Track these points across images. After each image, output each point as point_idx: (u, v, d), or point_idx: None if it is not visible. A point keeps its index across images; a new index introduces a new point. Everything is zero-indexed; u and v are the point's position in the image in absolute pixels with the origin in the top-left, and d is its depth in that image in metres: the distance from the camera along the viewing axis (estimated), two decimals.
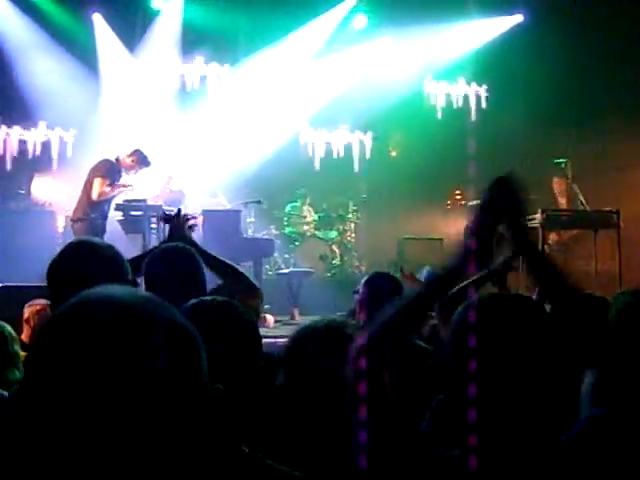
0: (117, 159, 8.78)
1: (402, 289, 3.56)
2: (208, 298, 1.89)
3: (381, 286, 3.56)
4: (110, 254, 2.15)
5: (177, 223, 3.33)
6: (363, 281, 3.71)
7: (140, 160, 8.84)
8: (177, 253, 3.03)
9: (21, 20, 11.39)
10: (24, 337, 5.03)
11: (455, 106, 13.71)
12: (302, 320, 9.10)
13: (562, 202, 10.93)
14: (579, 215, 9.47)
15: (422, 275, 4.24)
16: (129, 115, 11.59)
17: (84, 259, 2.09)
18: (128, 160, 8.80)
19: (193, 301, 1.83)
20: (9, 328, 3.28)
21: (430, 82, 13.52)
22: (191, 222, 3.43)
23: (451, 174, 12.69)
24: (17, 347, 3.41)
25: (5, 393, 2.32)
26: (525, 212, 1.84)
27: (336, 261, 11.70)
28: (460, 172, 12.84)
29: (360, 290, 3.64)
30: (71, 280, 2.04)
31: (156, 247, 3.33)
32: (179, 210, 3.46)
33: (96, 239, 2.33)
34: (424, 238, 11.57)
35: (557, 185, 11.13)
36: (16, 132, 11.58)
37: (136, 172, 8.90)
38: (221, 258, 3.17)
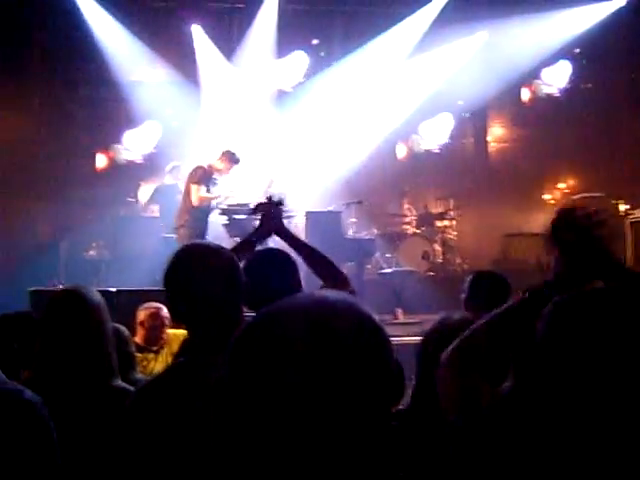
0: (209, 165, 9.04)
1: (508, 287, 3.50)
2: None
3: (485, 285, 3.52)
4: (226, 257, 2.21)
5: (269, 210, 3.21)
6: (467, 280, 3.68)
7: (229, 159, 9.05)
8: (273, 257, 3.06)
9: (125, 35, 11.79)
10: (138, 339, 5.21)
11: (556, 96, 13.37)
12: (406, 320, 9.07)
13: None
14: None
15: None
16: (229, 121, 11.84)
17: (201, 263, 2.15)
18: (219, 163, 9.04)
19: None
20: (126, 331, 3.44)
21: (529, 73, 13.22)
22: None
23: (554, 167, 12.42)
24: (133, 348, 3.57)
25: (131, 388, 2.45)
26: None
27: (438, 259, 11.60)
28: (564, 164, 12.57)
29: (465, 289, 3.61)
30: (189, 283, 2.12)
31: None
32: (269, 197, 3.30)
33: (211, 242, 2.39)
34: (527, 234, 11.32)
35: None
36: (123, 142, 12.05)
37: (229, 172, 9.10)
38: (316, 249, 3.15)
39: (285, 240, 3.14)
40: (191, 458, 1.88)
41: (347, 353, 0.98)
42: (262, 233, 3.21)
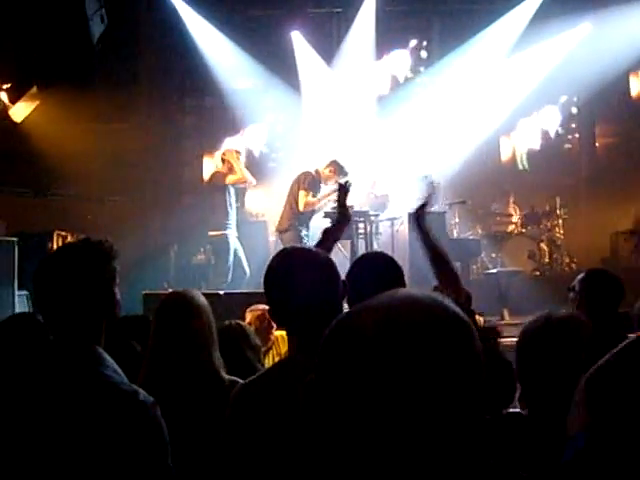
0: (316, 171, 9.17)
1: (621, 286, 3.42)
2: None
3: (598, 284, 3.45)
4: (324, 259, 2.24)
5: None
6: (579, 278, 3.60)
7: (337, 170, 9.17)
8: (379, 259, 3.09)
9: (227, 45, 12.07)
10: None
11: None
12: (512, 320, 8.93)
13: None
14: None
15: None
16: (330, 125, 11.93)
17: (298, 265, 2.19)
18: (326, 171, 9.19)
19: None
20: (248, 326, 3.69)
21: (637, 64, 12.72)
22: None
23: None
24: (258, 341, 3.77)
25: (240, 381, 2.54)
26: None
27: (545, 259, 11.34)
28: None
29: (576, 288, 3.54)
30: (286, 287, 2.15)
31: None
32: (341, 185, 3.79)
33: (307, 246, 2.45)
34: (638, 231, 10.92)
35: None
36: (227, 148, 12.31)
37: (335, 183, 9.20)
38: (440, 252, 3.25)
39: (419, 233, 3.24)
40: (285, 453, 1.92)
41: (426, 348, 0.97)
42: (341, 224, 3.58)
